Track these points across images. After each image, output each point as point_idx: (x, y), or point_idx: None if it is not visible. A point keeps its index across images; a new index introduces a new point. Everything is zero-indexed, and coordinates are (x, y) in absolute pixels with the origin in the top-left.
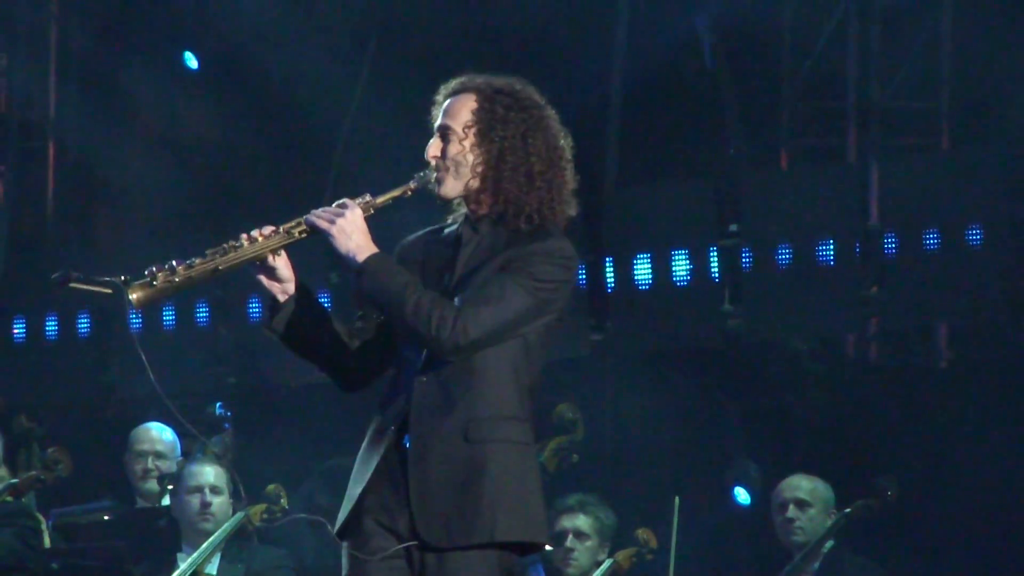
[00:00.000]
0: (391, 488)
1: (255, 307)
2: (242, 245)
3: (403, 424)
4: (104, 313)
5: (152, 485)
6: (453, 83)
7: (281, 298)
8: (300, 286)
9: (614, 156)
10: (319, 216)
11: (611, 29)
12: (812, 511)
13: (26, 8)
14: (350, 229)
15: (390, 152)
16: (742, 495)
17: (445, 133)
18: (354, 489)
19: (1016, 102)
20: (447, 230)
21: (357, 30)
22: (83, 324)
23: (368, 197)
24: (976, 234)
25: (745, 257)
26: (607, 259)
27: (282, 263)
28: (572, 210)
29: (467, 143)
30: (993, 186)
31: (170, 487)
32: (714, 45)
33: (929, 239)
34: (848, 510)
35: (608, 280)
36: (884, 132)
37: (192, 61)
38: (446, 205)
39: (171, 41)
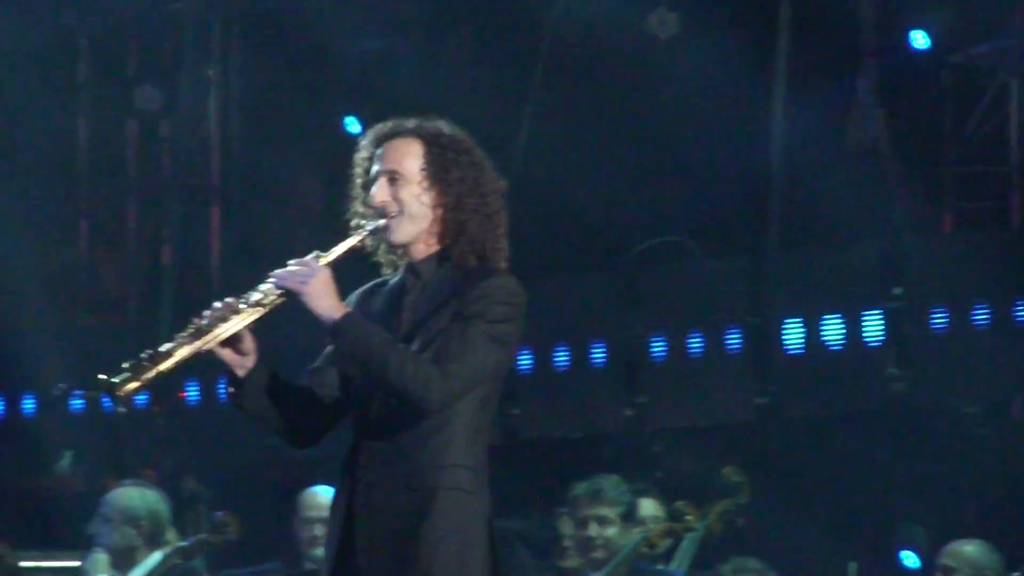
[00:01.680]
0: (346, 538)
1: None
2: (208, 323)
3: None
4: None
5: (319, 552)
6: (383, 128)
7: (240, 373)
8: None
9: (775, 221)
10: (286, 278)
11: (771, 94)
12: None
13: (189, 75)
14: (322, 289)
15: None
16: (910, 559)
17: (394, 177)
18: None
19: None
20: (390, 282)
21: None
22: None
23: (317, 253)
24: None
25: (908, 320)
26: (772, 323)
27: (248, 335)
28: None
29: (420, 187)
30: None
31: None
32: (876, 109)
33: None
34: (1016, 574)
35: (772, 344)
36: None
37: (354, 126)
38: (383, 254)
39: (333, 106)
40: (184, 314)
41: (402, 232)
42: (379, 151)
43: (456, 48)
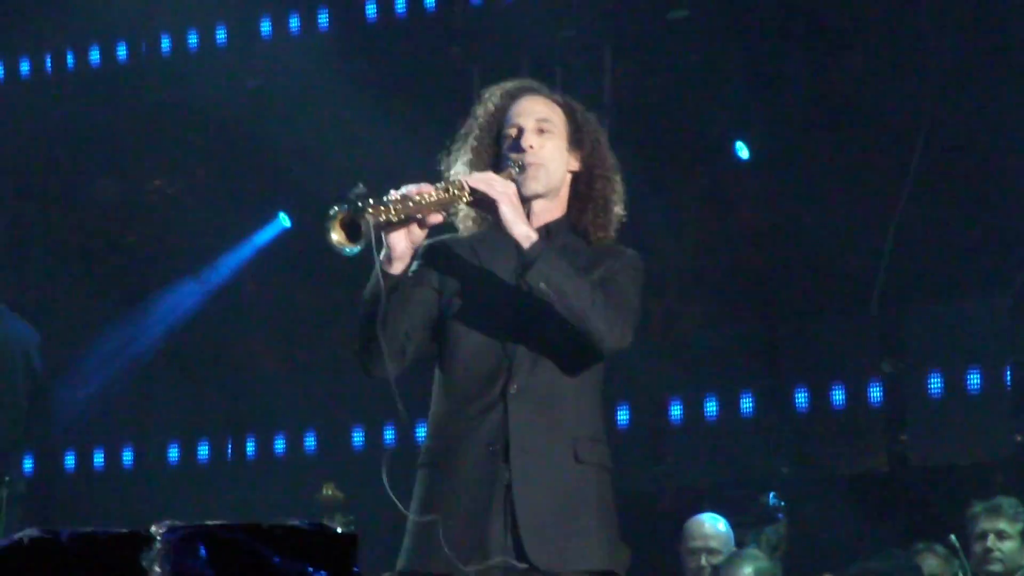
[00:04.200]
0: (488, 509)
1: (802, 395)
2: (408, 196)
3: (503, 443)
4: (644, 407)
5: None
6: (519, 83)
7: (397, 267)
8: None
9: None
10: (484, 181)
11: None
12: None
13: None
14: (517, 201)
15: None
16: None
17: (543, 128)
18: (449, 510)
19: None
20: (479, 237)
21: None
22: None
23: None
24: None
25: None
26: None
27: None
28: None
29: (564, 143)
30: None
31: None
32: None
33: None
34: None
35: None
36: None
37: (743, 151)
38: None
39: (723, 131)
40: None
41: (540, 183)
42: (516, 104)
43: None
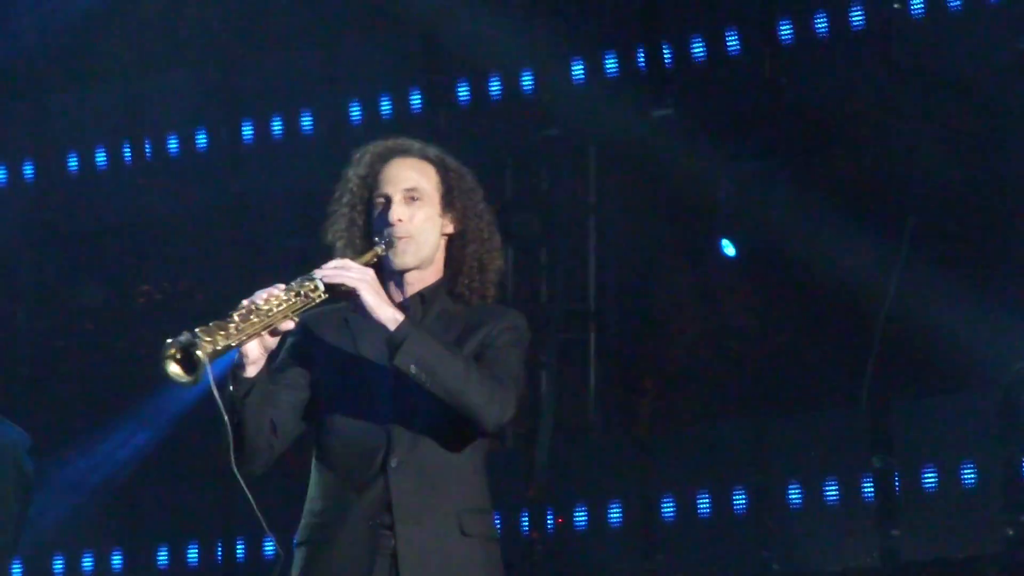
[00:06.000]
0: None
1: (795, 490)
2: (256, 308)
3: (381, 516)
4: (635, 504)
5: None
6: (384, 146)
7: (251, 371)
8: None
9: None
10: (337, 274)
11: None
12: None
13: (566, 205)
14: (376, 285)
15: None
16: None
17: (414, 197)
18: None
19: None
20: (342, 312)
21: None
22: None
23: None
24: None
25: None
26: None
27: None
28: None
29: (435, 210)
30: None
31: None
32: None
33: None
34: None
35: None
36: None
37: (729, 249)
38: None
39: (708, 229)
40: (563, 441)
41: (411, 256)
42: (386, 169)
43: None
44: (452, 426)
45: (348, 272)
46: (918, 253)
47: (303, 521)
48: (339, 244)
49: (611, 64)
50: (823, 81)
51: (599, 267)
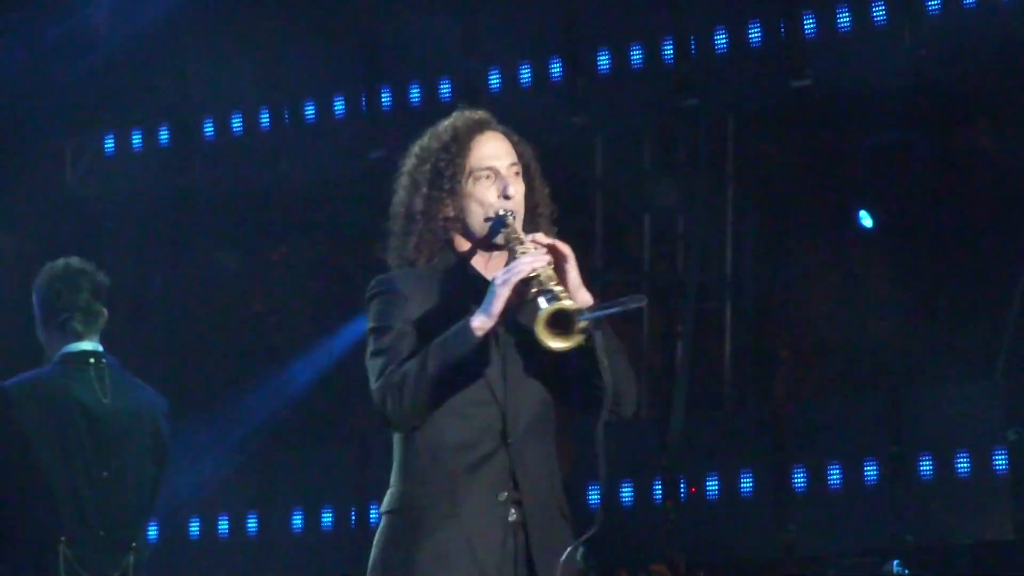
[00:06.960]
0: (503, 548)
1: (926, 463)
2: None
3: (506, 491)
4: (767, 475)
5: None
6: (480, 118)
7: (491, 324)
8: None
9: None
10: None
11: None
12: None
13: (704, 175)
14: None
15: None
16: None
17: (518, 172)
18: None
19: None
20: (450, 276)
21: None
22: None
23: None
24: None
25: None
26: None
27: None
28: None
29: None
30: None
31: None
32: None
33: None
34: None
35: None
36: None
37: (867, 220)
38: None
39: (847, 199)
40: (696, 412)
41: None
42: (483, 142)
43: None
44: (559, 407)
45: (557, 246)
46: None
47: (400, 489)
48: (421, 213)
49: (754, 33)
50: (967, 56)
51: (736, 237)
